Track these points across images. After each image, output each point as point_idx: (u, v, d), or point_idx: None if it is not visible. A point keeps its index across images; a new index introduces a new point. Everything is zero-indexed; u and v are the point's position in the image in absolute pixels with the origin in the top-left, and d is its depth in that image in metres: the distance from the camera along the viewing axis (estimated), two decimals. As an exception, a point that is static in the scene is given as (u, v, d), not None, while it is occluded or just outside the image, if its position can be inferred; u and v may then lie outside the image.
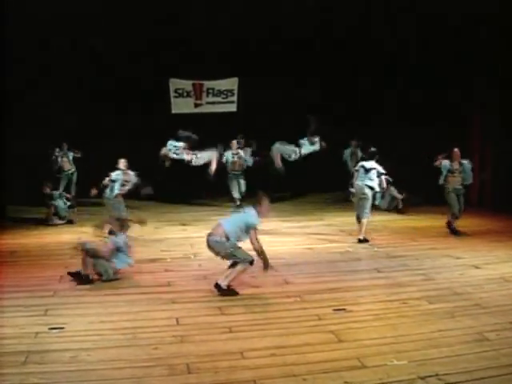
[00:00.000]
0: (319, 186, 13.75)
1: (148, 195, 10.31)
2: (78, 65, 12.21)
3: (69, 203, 10.80)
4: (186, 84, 14.08)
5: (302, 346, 4.61)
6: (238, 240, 6.02)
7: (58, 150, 12.65)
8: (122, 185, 9.48)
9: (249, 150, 12.42)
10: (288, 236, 9.42)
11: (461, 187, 9.20)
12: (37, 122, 12.15)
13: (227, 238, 5.93)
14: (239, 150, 12.16)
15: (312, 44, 12.73)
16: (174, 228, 10.04)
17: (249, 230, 5.93)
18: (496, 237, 8.98)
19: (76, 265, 6.59)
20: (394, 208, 11.70)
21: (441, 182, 9.24)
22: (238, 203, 11.63)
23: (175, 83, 13.95)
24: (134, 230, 9.44)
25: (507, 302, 5.69)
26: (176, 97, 13.99)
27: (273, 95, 12.72)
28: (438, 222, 9.85)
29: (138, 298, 5.92)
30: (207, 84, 14.16)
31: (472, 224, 9.67)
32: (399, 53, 12.41)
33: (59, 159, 12.69)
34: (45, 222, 10.39)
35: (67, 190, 12.59)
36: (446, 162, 9.19)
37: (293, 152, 12.08)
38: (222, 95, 14.23)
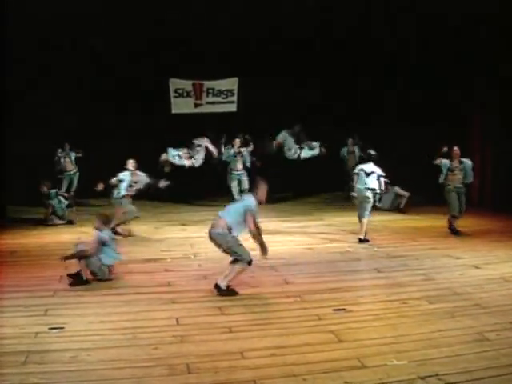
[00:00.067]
0: (319, 186, 13.76)
1: (166, 186, 10.26)
2: (78, 65, 12.20)
3: (66, 202, 10.78)
4: (186, 84, 14.07)
5: (301, 346, 4.61)
6: (241, 230, 5.97)
7: (60, 150, 12.67)
8: (130, 185, 9.43)
9: (247, 149, 12.42)
10: (288, 236, 9.42)
11: (461, 186, 9.20)
12: (37, 122, 12.14)
13: (230, 230, 5.90)
14: (241, 149, 12.17)
15: (312, 44, 12.72)
16: (174, 228, 10.04)
17: (246, 214, 5.90)
18: (496, 237, 8.98)
19: (75, 265, 6.58)
20: (395, 208, 11.71)
21: (441, 180, 9.24)
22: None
23: (175, 83, 13.94)
24: (135, 230, 9.56)
25: (507, 302, 5.69)
26: (176, 97, 13.98)
27: (273, 95, 12.72)
28: (439, 221, 9.86)
29: (138, 297, 5.92)
30: (207, 84, 14.15)
31: (472, 224, 9.67)
32: (399, 53, 12.41)
33: (62, 160, 12.70)
34: (44, 223, 10.39)
35: (68, 190, 12.61)
36: (445, 161, 9.19)
37: (293, 148, 12.11)
38: (221, 95, 14.22)
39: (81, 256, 6.43)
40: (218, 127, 12.48)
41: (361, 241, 8.77)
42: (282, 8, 11.33)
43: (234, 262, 6.02)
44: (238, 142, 12.16)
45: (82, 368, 4.22)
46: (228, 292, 5.98)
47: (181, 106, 13.98)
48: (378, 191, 9.08)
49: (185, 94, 14.08)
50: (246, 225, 5.94)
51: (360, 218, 9.04)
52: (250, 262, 5.95)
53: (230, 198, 12.02)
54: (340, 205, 12.46)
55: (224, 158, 12.34)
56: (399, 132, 12.58)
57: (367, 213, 8.85)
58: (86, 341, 4.73)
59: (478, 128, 12.42)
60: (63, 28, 11.17)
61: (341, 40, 12.35)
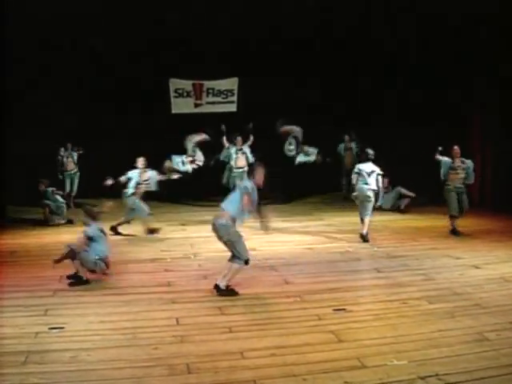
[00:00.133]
0: (319, 187, 13.76)
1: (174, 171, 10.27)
2: (78, 65, 12.20)
3: (63, 200, 10.75)
4: (186, 84, 14.07)
5: (301, 346, 4.61)
6: (244, 217, 5.97)
7: (62, 149, 12.69)
8: (139, 183, 9.41)
9: (247, 143, 12.42)
10: (288, 236, 9.41)
11: (462, 186, 9.19)
12: (37, 122, 12.14)
13: (233, 221, 5.90)
14: (243, 147, 12.17)
15: (312, 44, 12.72)
16: (174, 228, 10.03)
17: (242, 195, 5.91)
18: (496, 237, 8.98)
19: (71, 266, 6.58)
20: (396, 208, 11.72)
21: (442, 177, 9.21)
22: None
23: (175, 83, 13.95)
24: (135, 230, 9.56)
25: (507, 302, 5.70)
26: (176, 97, 13.99)
27: (273, 95, 12.72)
28: (439, 221, 9.86)
29: (138, 298, 5.92)
30: (207, 84, 14.15)
31: (472, 224, 9.67)
32: (399, 53, 12.40)
33: (64, 159, 12.72)
34: (45, 223, 10.37)
35: (70, 190, 12.61)
36: (446, 159, 9.16)
37: (294, 144, 12.11)
38: (222, 95, 14.23)
39: (70, 255, 6.41)
40: (218, 127, 12.48)
41: (362, 236, 8.78)
42: (282, 8, 11.34)
43: (232, 259, 6.01)
44: (240, 140, 12.16)
45: (82, 368, 4.22)
46: (228, 292, 5.98)
47: (181, 106, 13.98)
48: (377, 189, 9.09)
49: (185, 93, 14.08)
50: (247, 213, 5.94)
51: (362, 218, 9.07)
52: (247, 261, 5.95)
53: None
54: (340, 205, 12.47)
55: (222, 157, 12.34)
56: (399, 132, 12.57)
57: (369, 212, 8.87)
58: (85, 341, 4.73)
59: (478, 128, 12.42)
60: (63, 28, 11.18)
61: (341, 40, 12.35)
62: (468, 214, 9.41)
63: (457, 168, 9.14)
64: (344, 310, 5.52)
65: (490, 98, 11.78)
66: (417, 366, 4.18)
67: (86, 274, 6.45)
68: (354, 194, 9.18)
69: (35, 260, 7.63)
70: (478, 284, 6.33)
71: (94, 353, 4.48)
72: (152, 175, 9.59)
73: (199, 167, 11.60)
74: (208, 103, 14.21)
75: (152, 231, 9.32)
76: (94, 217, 6.78)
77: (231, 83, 14.15)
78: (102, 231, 6.79)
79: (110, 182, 9.27)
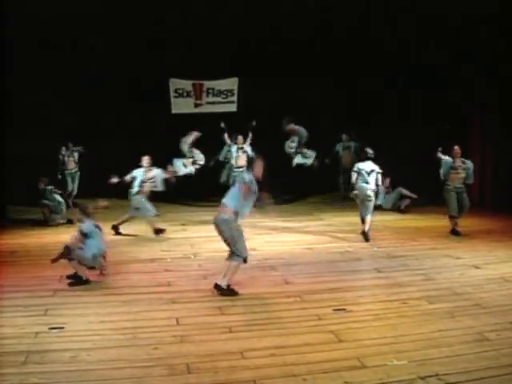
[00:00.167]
0: (319, 187, 13.76)
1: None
2: (78, 65, 12.20)
3: (61, 199, 10.71)
4: (186, 84, 14.07)
5: (301, 346, 4.61)
6: (246, 210, 5.98)
7: (64, 148, 12.70)
8: (144, 181, 9.38)
9: (247, 141, 12.42)
10: (288, 236, 9.42)
11: (462, 186, 9.19)
12: (37, 122, 12.14)
13: (236, 216, 5.91)
14: (244, 145, 12.16)
15: (312, 44, 12.72)
16: (174, 228, 10.03)
17: (241, 187, 5.94)
18: (496, 237, 8.98)
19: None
20: (396, 208, 11.73)
21: (443, 176, 9.20)
22: None
23: (175, 83, 13.95)
24: (135, 230, 9.56)
25: (507, 302, 5.70)
26: (176, 97, 13.99)
27: (273, 95, 12.72)
28: (439, 221, 9.86)
29: (138, 297, 5.92)
30: (207, 84, 14.15)
31: (472, 224, 9.67)
32: (399, 53, 12.40)
33: (65, 158, 12.72)
34: (45, 223, 10.35)
35: (71, 189, 12.61)
36: (447, 158, 9.15)
37: (296, 143, 12.11)
38: (221, 95, 14.23)
39: (66, 253, 6.39)
40: (218, 126, 12.48)
41: (364, 234, 8.83)
42: (282, 8, 11.33)
43: (230, 257, 6.00)
44: (240, 139, 12.16)
45: (82, 368, 4.22)
46: (228, 292, 5.98)
47: (181, 105, 13.98)
48: (377, 188, 9.14)
49: (185, 93, 14.08)
50: (248, 202, 5.95)
51: (363, 218, 9.10)
52: (245, 260, 5.96)
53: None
54: (340, 205, 12.47)
55: (221, 158, 12.33)
56: (399, 132, 12.57)
57: (370, 211, 8.91)
58: (86, 341, 4.73)
59: (478, 128, 12.41)
60: (63, 28, 11.17)
61: (341, 40, 12.34)
62: (468, 214, 9.41)
63: (457, 168, 9.14)
64: (344, 310, 5.52)
65: (489, 98, 11.78)
66: (417, 366, 4.19)
67: (85, 273, 6.44)
68: (354, 192, 9.19)
69: (35, 260, 7.63)
70: (478, 284, 6.34)
71: (94, 353, 4.48)
72: (157, 173, 9.57)
73: (201, 166, 11.59)
74: (208, 103, 14.21)
75: (158, 231, 9.31)
76: (87, 214, 6.73)
77: (231, 83, 14.14)
78: (98, 227, 6.73)
79: (115, 180, 9.25)
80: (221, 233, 6.02)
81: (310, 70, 12.76)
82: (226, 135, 12.20)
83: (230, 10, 11.41)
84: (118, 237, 9.17)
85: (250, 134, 12.23)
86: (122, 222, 9.46)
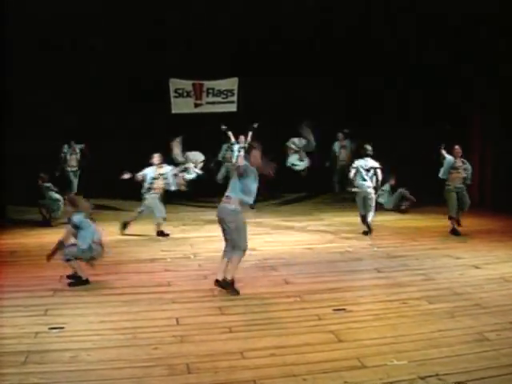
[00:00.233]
0: (319, 187, 13.77)
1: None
2: (78, 65, 12.20)
3: (57, 196, 10.62)
4: (186, 84, 14.08)
5: (301, 346, 4.61)
6: (250, 195, 6.03)
7: (66, 147, 12.70)
8: (155, 178, 9.33)
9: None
10: (288, 236, 9.42)
11: (462, 185, 9.19)
12: (37, 122, 12.14)
13: (241, 205, 5.97)
14: (246, 144, 12.15)
15: (312, 44, 12.73)
16: (174, 228, 10.02)
17: (237, 174, 6.03)
18: (496, 237, 8.98)
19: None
20: (396, 208, 11.73)
21: (441, 175, 9.20)
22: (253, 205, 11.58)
23: (175, 83, 13.95)
24: (135, 230, 9.55)
25: (507, 302, 5.70)
26: (176, 97, 13.99)
27: (273, 95, 12.72)
28: (439, 221, 9.86)
29: (138, 298, 5.92)
30: (207, 84, 14.16)
31: (472, 224, 9.67)
32: (399, 53, 12.40)
33: (68, 156, 12.72)
34: (46, 224, 10.24)
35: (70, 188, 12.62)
36: (450, 158, 9.15)
37: (300, 145, 12.10)
38: (222, 95, 14.23)
39: (60, 247, 6.36)
40: (218, 127, 12.49)
41: (366, 225, 9.07)
42: (282, 8, 11.33)
43: (232, 251, 6.02)
44: (242, 138, 12.18)
45: (82, 368, 4.22)
46: (232, 287, 6.01)
47: (181, 105, 13.98)
48: (376, 184, 9.25)
49: (185, 93, 14.08)
50: (249, 187, 5.99)
51: (363, 218, 9.13)
52: (244, 251, 6.04)
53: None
54: (339, 205, 12.47)
55: (220, 157, 12.31)
56: (399, 132, 12.57)
57: (372, 207, 9.13)
58: (86, 341, 4.73)
59: (478, 128, 12.41)
60: (63, 28, 11.17)
61: (341, 40, 12.34)
62: (468, 214, 9.42)
63: (458, 168, 9.15)
64: (344, 310, 5.51)
65: (489, 97, 11.78)
66: (417, 366, 4.18)
67: (85, 273, 6.44)
68: (354, 189, 9.29)
69: (35, 260, 7.62)
70: (478, 284, 6.33)
71: (94, 353, 4.48)
72: (168, 170, 9.55)
73: (204, 163, 11.57)
74: (208, 103, 14.22)
75: (162, 234, 9.26)
76: (77, 205, 6.61)
77: (231, 83, 14.15)
78: (89, 218, 6.68)
79: (126, 175, 9.23)
80: (226, 224, 5.99)
81: (310, 70, 12.76)
82: (230, 133, 12.22)
83: (230, 9, 11.41)
84: (118, 237, 9.16)
85: (250, 133, 12.23)
86: (132, 219, 9.41)
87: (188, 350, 4.56)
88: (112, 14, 11.15)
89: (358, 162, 9.28)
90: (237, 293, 6.01)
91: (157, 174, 9.35)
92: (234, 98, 14.15)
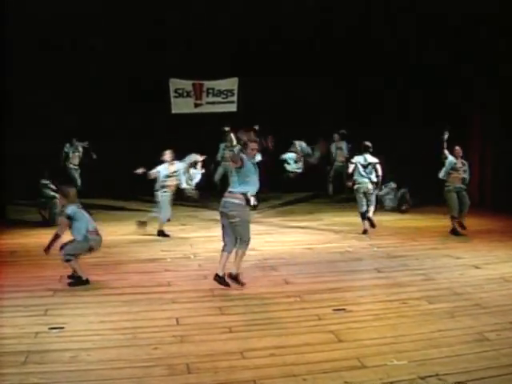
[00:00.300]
0: (319, 187, 13.77)
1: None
2: (78, 65, 12.21)
3: (52, 194, 10.51)
4: (186, 84, 14.09)
5: (301, 346, 4.61)
6: (252, 185, 6.16)
7: (68, 145, 12.69)
8: (168, 176, 9.29)
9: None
10: (288, 236, 9.42)
11: (462, 186, 9.19)
12: (37, 122, 12.15)
13: (245, 197, 6.06)
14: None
15: (312, 44, 12.73)
16: (174, 228, 10.02)
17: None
18: (496, 237, 8.98)
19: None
20: (397, 208, 11.74)
21: (441, 175, 9.19)
22: (256, 203, 11.57)
23: (175, 83, 13.96)
24: (134, 229, 9.56)
25: (507, 302, 5.69)
26: (176, 97, 14.00)
27: (273, 95, 12.73)
28: (439, 221, 9.87)
29: (138, 298, 5.92)
30: (207, 84, 14.16)
31: (472, 224, 9.65)
32: (399, 53, 12.41)
33: (70, 153, 12.70)
34: (46, 224, 10.19)
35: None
36: (452, 158, 9.14)
37: (304, 151, 12.11)
38: (221, 95, 14.24)
39: (55, 239, 6.36)
40: (218, 127, 12.49)
41: (369, 220, 9.20)
42: (282, 8, 11.34)
43: (228, 245, 6.15)
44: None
45: (82, 368, 4.21)
46: (237, 280, 6.18)
47: (181, 105, 13.99)
48: (376, 180, 9.34)
49: (185, 93, 14.09)
50: (250, 178, 6.08)
51: (363, 215, 9.18)
52: (248, 243, 6.18)
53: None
54: (340, 205, 12.47)
55: (219, 157, 12.31)
56: (399, 132, 12.57)
57: (373, 203, 9.26)
58: (86, 341, 4.72)
59: (478, 128, 12.41)
60: (63, 28, 11.18)
61: (341, 40, 12.35)
62: (468, 214, 9.41)
63: (458, 169, 9.15)
64: (344, 310, 5.51)
65: (489, 97, 11.78)
66: (417, 366, 4.18)
67: (85, 273, 6.44)
68: (355, 187, 9.40)
69: (35, 260, 7.62)
70: (478, 284, 6.33)
71: (94, 353, 4.48)
72: (179, 166, 9.52)
73: (204, 163, 11.56)
74: (208, 103, 14.22)
75: (162, 234, 9.25)
76: (67, 197, 6.57)
77: (231, 83, 14.15)
78: (82, 208, 6.66)
79: (140, 170, 9.20)
80: (230, 218, 6.07)
81: (310, 70, 12.77)
82: (232, 136, 12.19)
83: (230, 9, 11.42)
84: (118, 237, 9.16)
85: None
86: (148, 220, 9.39)
87: (188, 349, 4.56)
88: (112, 13, 11.16)
89: (357, 158, 9.41)
90: (242, 284, 6.17)
91: (170, 171, 9.34)
92: (234, 98, 14.16)
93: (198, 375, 4.11)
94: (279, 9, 11.35)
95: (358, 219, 9.59)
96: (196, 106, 14.19)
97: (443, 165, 9.17)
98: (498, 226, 9.95)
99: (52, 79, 12.17)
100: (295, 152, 11.99)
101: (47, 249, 6.40)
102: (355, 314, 5.42)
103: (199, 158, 11.17)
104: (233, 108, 14.12)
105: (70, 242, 6.43)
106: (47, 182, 10.45)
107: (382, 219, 10.31)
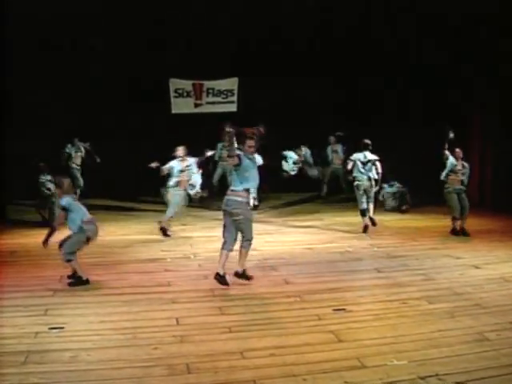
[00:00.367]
0: (318, 187, 13.76)
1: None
2: (78, 65, 12.20)
3: (48, 192, 10.43)
4: (186, 84, 14.08)
5: (301, 346, 4.61)
6: (253, 181, 6.29)
7: (69, 145, 12.69)
8: (182, 170, 9.29)
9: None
10: (288, 236, 9.42)
11: (461, 187, 9.19)
12: (37, 122, 12.14)
13: (247, 194, 6.25)
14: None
15: (312, 44, 12.73)
16: (174, 228, 10.01)
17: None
18: (496, 237, 8.98)
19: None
20: (397, 208, 11.74)
21: (443, 177, 9.20)
22: (257, 203, 11.55)
23: (175, 83, 13.95)
24: (135, 230, 9.57)
25: (507, 302, 5.70)
26: (176, 97, 13.99)
27: (273, 95, 12.72)
28: (439, 221, 9.87)
29: (138, 298, 5.92)
30: (207, 84, 14.16)
31: (472, 224, 9.64)
32: (399, 53, 12.41)
33: (73, 154, 12.68)
34: (46, 224, 10.15)
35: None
36: (452, 159, 9.13)
37: (307, 159, 12.11)
38: (222, 95, 14.23)
39: (52, 232, 6.40)
40: (218, 127, 12.47)
41: (370, 219, 9.40)
42: (282, 8, 11.34)
43: (229, 243, 6.23)
44: None
45: (82, 368, 4.22)
46: (244, 276, 6.34)
47: (181, 106, 13.98)
48: (377, 176, 9.40)
49: (185, 93, 14.08)
50: (249, 173, 6.17)
51: (364, 211, 9.21)
52: (251, 241, 6.27)
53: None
54: (340, 205, 12.47)
55: (216, 157, 12.31)
56: (399, 132, 12.57)
57: (372, 200, 9.36)
58: (86, 341, 4.72)
59: (478, 128, 12.41)
60: (63, 28, 11.18)
61: (341, 40, 12.35)
62: (468, 214, 9.40)
63: (458, 171, 9.14)
64: (344, 310, 5.51)
65: (489, 97, 11.78)
66: (417, 366, 4.18)
67: (85, 273, 6.44)
68: (355, 183, 9.45)
69: (35, 260, 7.62)
70: (478, 284, 6.33)
71: (94, 353, 4.48)
72: (192, 161, 9.51)
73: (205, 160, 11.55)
74: (208, 103, 14.21)
75: (164, 232, 9.24)
76: (62, 187, 6.58)
77: (231, 83, 14.15)
78: (76, 200, 6.70)
79: (154, 164, 9.18)
80: (234, 216, 6.14)
81: (310, 70, 12.77)
82: (235, 138, 12.13)
83: (230, 9, 11.42)
84: (118, 237, 9.16)
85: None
86: (168, 221, 9.36)
87: (188, 350, 4.56)
88: (112, 13, 11.15)
89: (356, 155, 9.46)
90: (250, 278, 6.36)
91: (183, 166, 9.33)
92: (234, 98, 14.15)
93: (197, 375, 4.11)
94: (279, 9, 11.35)
95: (358, 219, 9.59)
96: (196, 106, 14.18)
97: (443, 165, 9.17)
98: (498, 226, 9.94)
99: (52, 79, 12.16)
100: (298, 155, 11.96)
101: (45, 242, 6.44)
102: (355, 313, 5.42)
103: (208, 153, 11.21)
104: (233, 108, 14.11)
105: (68, 237, 6.42)
106: (44, 179, 10.22)
107: (382, 219, 10.31)
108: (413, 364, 4.22)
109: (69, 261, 6.34)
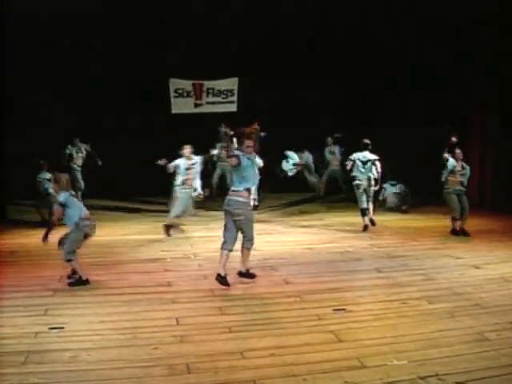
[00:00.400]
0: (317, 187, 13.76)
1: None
2: (78, 65, 12.20)
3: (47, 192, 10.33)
4: (186, 84, 14.08)
5: (301, 346, 4.60)
6: (253, 180, 6.39)
7: (70, 146, 12.68)
8: (188, 168, 9.30)
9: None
10: (288, 236, 9.42)
11: (461, 188, 9.19)
12: (37, 122, 12.14)
13: (249, 194, 6.32)
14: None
15: (312, 44, 12.73)
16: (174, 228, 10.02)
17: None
18: (496, 237, 8.98)
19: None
20: (398, 208, 11.75)
21: (443, 179, 9.19)
22: (257, 204, 11.54)
23: (175, 83, 13.95)
24: (135, 230, 9.57)
25: (507, 302, 5.69)
26: (176, 97, 13.99)
27: (273, 95, 12.73)
28: (439, 221, 9.87)
29: (138, 298, 5.92)
30: (207, 84, 14.16)
31: (472, 224, 9.64)
32: (399, 53, 12.41)
33: (74, 155, 12.65)
34: (46, 224, 10.11)
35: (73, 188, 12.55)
36: (452, 161, 9.12)
37: (307, 162, 12.12)
38: (221, 95, 14.23)
39: (51, 227, 6.43)
40: (218, 127, 12.48)
41: (370, 219, 9.39)
42: (282, 8, 11.34)
43: (229, 243, 6.23)
44: None
45: (82, 368, 4.21)
46: (249, 275, 6.42)
47: (181, 105, 13.98)
48: (377, 176, 9.43)
49: (185, 93, 14.08)
50: (249, 173, 6.22)
51: (364, 211, 9.21)
52: (252, 241, 6.33)
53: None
54: (340, 205, 12.46)
55: (215, 158, 12.30)
56: (399, 132, 12.58)
57: (371, 199, 9.38)
58: (86, 341, 4.72)
59: (478, 128, 12.41)
60: (63, 28, 11.17)
61: (341, 40, 12.35)
62: (468, 214, 9.40)
63: (456, 172, 9.13)
64: (344, 310, 5.51)
65: (489, 97, 11.78)
66: (417, 366, 4.18)
67: (85, 273, 6.44)
68: (356, 183, 9.46)
69: (35, 260, 7.63)
70: (478, 284, 6.33)
71: (94, 353, 4.48)
72: (197, 159, 9.54)
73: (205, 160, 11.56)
74: (208, 103, 14.21)
75: (167, 230, 9.23)
76: (59, 183, 6.57)
77: (231, 83, 14.15)
78: (74, 196, 6.69)
79: (162, 162, 9.18)
80: (236, 216, 6.17)
81: (310, 70, 12.77)
82: (235, 140, 12.13)
83: (230, 9, 11.42)
84: (118, 237, 9.17)
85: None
86: (175, 222, 9.35)
87: (188, 350, 4.56)
88: (112, 13, 11.15)
89: (356, 155, 9.47)
90: (254, 276, 6.46)
91: (188, 164, 9.35)
92: (234, 98, 14.15)
93: (197, 375, 4.11)
94: (279, 9, 11.35)
95: (358, 219, 9.60)
96: (196, 105, 14.18)
97: (443, 166, 9.16)
98: (498, 226, 9.95)
99: (52, 79, 12.16)
100: (300, 158, 11.97)
101: (45, 237, 6.46)
102: (355, 313, 5.42)
103: (214, 151, 11.24)
104: (233, 108, 14.11)
105: (66, 235, 6.42)
106: (43, 178, 10.07)
107: (382, 219, 10.31)
108: (413, 364, 4.22)
109: (69, 260, 6.34)
